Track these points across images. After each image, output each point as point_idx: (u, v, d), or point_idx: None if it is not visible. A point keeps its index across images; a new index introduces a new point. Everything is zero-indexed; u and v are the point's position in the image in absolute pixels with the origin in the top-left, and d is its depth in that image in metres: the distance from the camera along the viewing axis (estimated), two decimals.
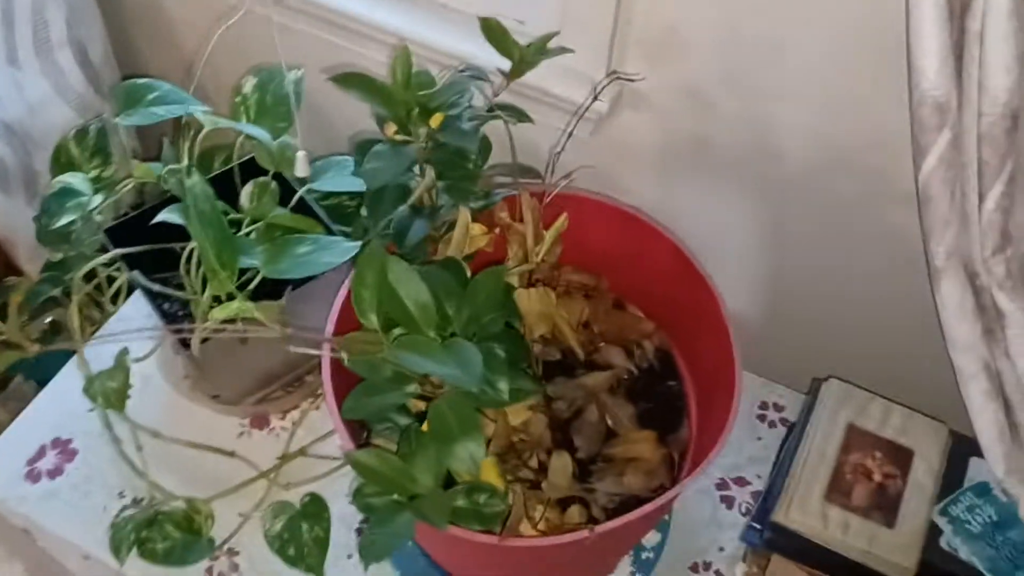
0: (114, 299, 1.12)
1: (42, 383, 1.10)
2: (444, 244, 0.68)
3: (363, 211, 0.68)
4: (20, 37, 1.13)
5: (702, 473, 0.65)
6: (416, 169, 0.64)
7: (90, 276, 1.07)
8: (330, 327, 0.70)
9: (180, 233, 0.88)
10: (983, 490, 0.81)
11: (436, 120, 0.60)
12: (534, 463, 0.75)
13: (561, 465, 0.74)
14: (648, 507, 0.62)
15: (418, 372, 0.56)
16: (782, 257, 1.06)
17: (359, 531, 0.93)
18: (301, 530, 0.83)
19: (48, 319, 1.41)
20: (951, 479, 0.81)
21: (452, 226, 0.69)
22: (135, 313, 1.09)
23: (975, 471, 0.82)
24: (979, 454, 0.82)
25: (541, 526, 0.68)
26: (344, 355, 0.53)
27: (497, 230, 0.72)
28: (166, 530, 0.79)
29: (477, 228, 0.68)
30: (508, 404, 0.63)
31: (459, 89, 0.61)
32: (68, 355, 1.21)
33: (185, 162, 0.88)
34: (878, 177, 0.90)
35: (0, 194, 1.19)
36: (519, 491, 0.67)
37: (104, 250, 0.96)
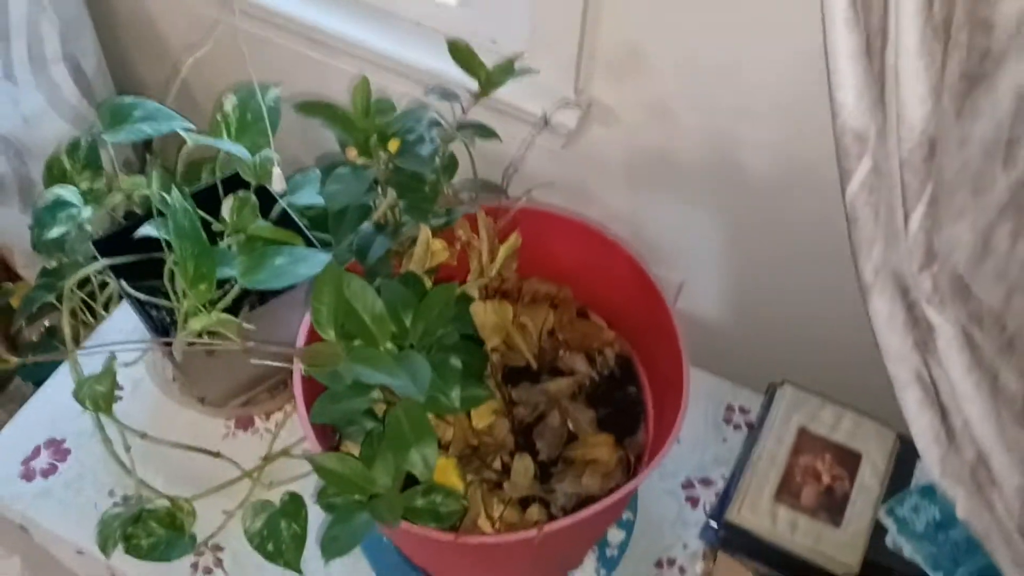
0: (106, 305, 1.16)
1: (40, 384, 1.15)
2: (407, 259, 0.72)
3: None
4: (16, 53, 1.18)
5: (649, 474, 0.69)
6: (379, 189, 0.68)
7: (84, 283, 1.12)
8: (302, 338, 0.74)
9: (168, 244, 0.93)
10: (928, 492, 0.85)
11: (393, 145, 0.64)
12: (497, 464, 0.79)
13: (523, 467, 0.78)
14: (597, 506, 0.66)
15: (371, 382, 0.60)
16: (747, 264, 1.10)
17: None
18: (280, 527, 0.87)
19: (44, 323, 1.46)
20: (898, 481, 0.85)
21: (415, 241, 0.73)
22: (127, 318, 1.13)
23: (922, 474, 0.86)
24: None
25: (500, 524, 0.72)
26: (300, 365, 0.58)
27: (458, 245, 0.76)
28: (150, 527, 0.83)
29: (438, 244, 0.72)
30: (460, 411, 0.68)
31: (416, 116, 0.65)
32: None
33: (155, 180, 0.92)
34: (834, 189, 0.94)
35: None
36: (479, 490, 0.71)
37: (96, 259, 1.01)
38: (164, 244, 0.88)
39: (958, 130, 0.64)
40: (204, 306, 0.84)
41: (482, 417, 0.78)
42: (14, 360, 0.79)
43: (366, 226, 0.69)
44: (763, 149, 0.95)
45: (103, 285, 1.15)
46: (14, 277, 1.35)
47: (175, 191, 0.78)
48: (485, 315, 0.73)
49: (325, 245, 0.90)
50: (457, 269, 0.78)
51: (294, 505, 0.89)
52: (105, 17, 1.30)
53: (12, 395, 1.50)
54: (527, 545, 0.66)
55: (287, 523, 0.87)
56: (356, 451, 0.71)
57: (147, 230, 0.81)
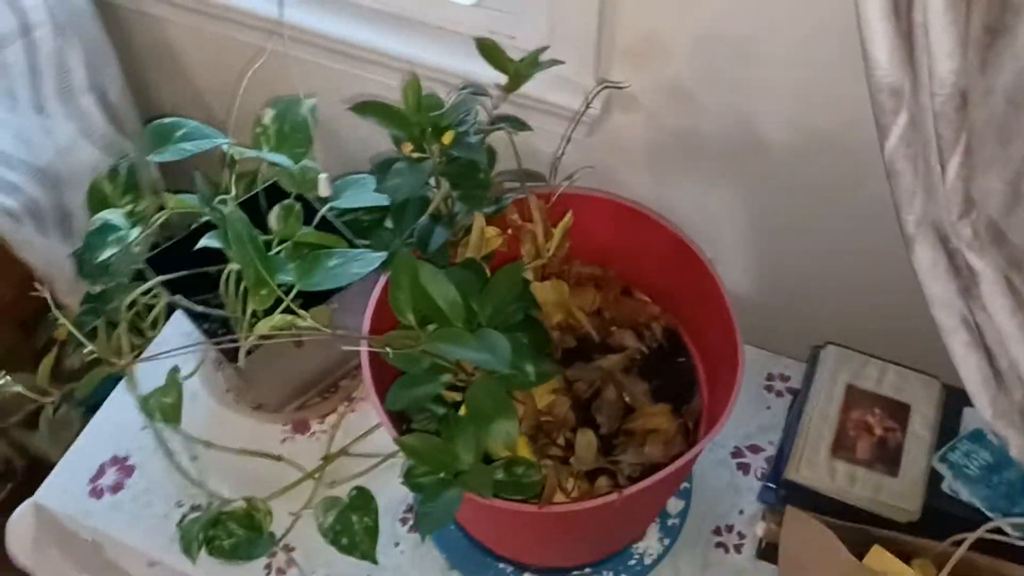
0: (153, 324, 1.19)
1: (90, 408, 1.18)
2: (463, 247, 0.75)
3: (387, 223, 0.75)
4: (45, 86, 1.21)
5: (716, 436, 0.71)
6: (432, 182, 0.71)
7: (130, 304, 1.14)
8: (365, 328, 0.77)
9: (211, 258, 0.96)
10: (978, 436, 0.87)
11: (448, 137, 0.67)
12: (561, 441, 0.82)
13: (586, 441, 0.81)
14: (670, 468, 0.69)
15: (453, 360, 0.63)
16: (774, 237, 1.12)
17: (403, 521, 1.00)
18: (351, 521, 0.90)
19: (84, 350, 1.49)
20: (947, 429, 0.88)
21: (468, 231, 0.76)
22: (173, 336, 1.17)
23: (969, 420, 0.89)
24: (971, 404, 0.89)
25: (573, 495, 0.75)
26: (388, 350, 0.60)
27: (509, 231, 0.78)
28: (230, 528, 0.86)
29: (491, 231, 0.75)
30: (535, 385, 0.70)
31: (465, 108, 0.68)
32: (111, 381, 1.28)
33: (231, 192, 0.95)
34: (855, 155, 0.97)
35: (38, 235, 1.26)
36: (552, 466, 0.74)
37: (141, 279, 1.04)
38: (212, 257, 0.91)
39: (983, 82, 0.67)
40: (260, 312, 0.88)
41: (542, 397, 0.81)
42: (122, 362, 0.81)
43: (423, 219, 0.72)
44: (782, 122, 0.98)
45: (149, 307, 1.18)
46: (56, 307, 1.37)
47: (231, 203, 0.81)
48: (545, 294, 0.76)
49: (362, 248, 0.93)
50: (507, 255, 0.81)
51: (362, 499, 0.91)
52: (124, 45, 1.33)
53: (59, 422, 1.52)
54: (606, 511, 0.69)
55: (358, 516, 0.90)
56: None
57: (208, 242, 0.83)
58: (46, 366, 1.00)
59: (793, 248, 1.12)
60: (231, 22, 1.20)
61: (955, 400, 0.89)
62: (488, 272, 0.73)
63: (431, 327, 0.63)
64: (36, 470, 1.55)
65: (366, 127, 1.26)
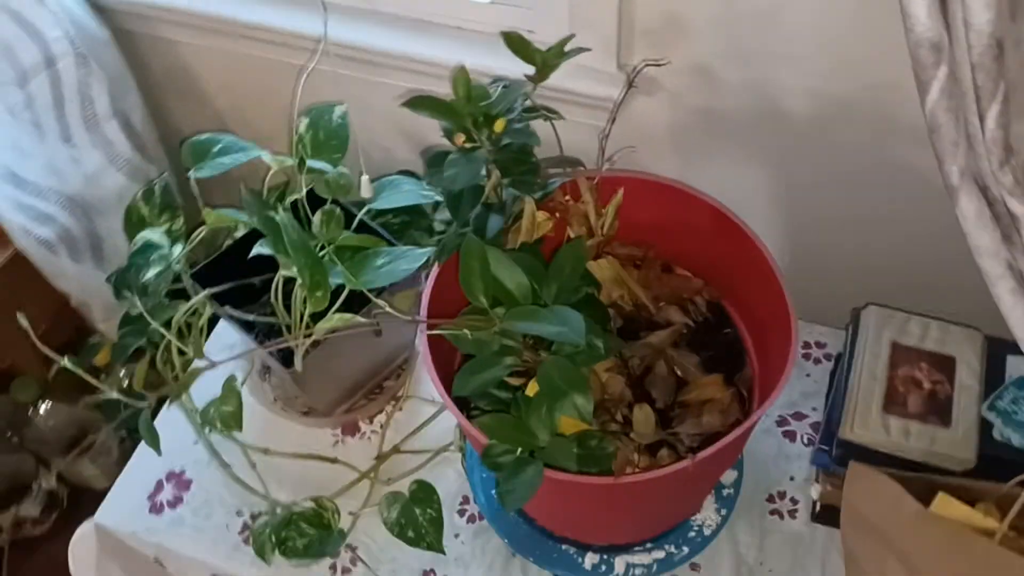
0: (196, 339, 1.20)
1: (132, 432, 1.19)
2: (515, 233, 0.76)
3: (435, 218, 0.76)
4: (71, 116, 1.23)
5: (777, 398, 0.73)
6: (482, 171, 0.73)
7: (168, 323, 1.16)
8: (423, 316, 0.79)
9: (248, 270, 0.97)
10: (1023, 383, 0.89)
11: (500, 125, 0.69)
12: (619, 418, 0.83)
13: (643, 416, 0.83)
14: (739, 430, 0.71)
15: (529, 339, 0.64)
16: (802, 208, 1.14)
17: (460, 512, 1.01)
18: (415, 514, 0.91)
19: (120, 372, 1.50)
20: (993, 378, 0.89)
21: (518, 216, 0.78)
22: (217, 349, 1.18)
23: (1013, 368, 0.90)
24: (1015, 352, 0.91)
25: (640, 468, 0.77)
26: (466, 333, 0.62)
27: (557, 215, 0.80)
28: (301, 528, 0.87)
29: (541, 215, 0.76)
30: (605, 358, 0.72)
31: (514, 96, 0.70)
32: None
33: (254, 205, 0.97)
34: (877, 120, 0.99)
35: (72, 263, 1.28)
36: (620, 439, 0.76)
37: (177, 297, 1.05)
38: (249, 269, 0.92)
39: (1015, 31, 0.69)
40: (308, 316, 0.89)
41: (600, 373, 0.82)
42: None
43: (477, 207, 0.73)
44: (803, 92, 1.00)
45: (188, 325, 1.19)
46: (92, 332, 1.39)
47: (282, 211, 0.83)
48: (603, 272, 0.78)
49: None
50: (554, 239, 0.82)
51: (424, 492, 0.93)
52: (142, 71, 1.35)
53: (99, 448, 1.54)
54: (677, 479, 0.70)
55: (422, 509, 0.92)
56: None
57: (261, 249, 0.85)
58: (141, 372, 1.02)
59: (820, 217, 1.14)
60: (246, 39, 1.22)
61: (998, 349, 0.91)
62: (543, 255, 0.74)
63: (499, 309, 0.64)
64: (80, 498, 1.57)
65: (388, 135, 1.28)
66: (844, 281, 1.18)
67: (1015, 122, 0.71)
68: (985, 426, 0.86)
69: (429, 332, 0.70)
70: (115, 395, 0.85)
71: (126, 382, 1.50)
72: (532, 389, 0.69)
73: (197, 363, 1.14)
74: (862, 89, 0.97)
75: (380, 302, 0.66)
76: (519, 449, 0.66)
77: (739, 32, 0.96)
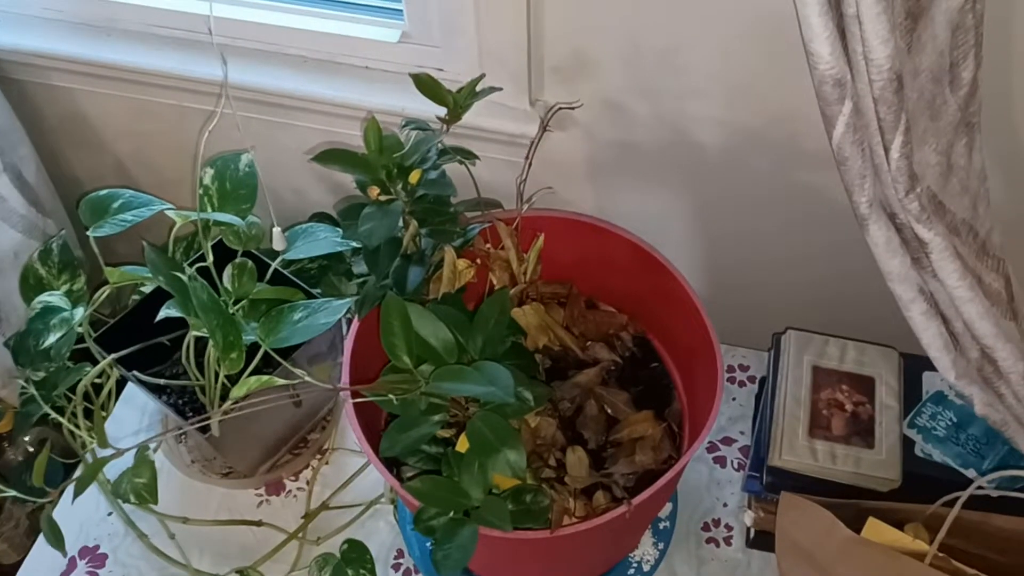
0: (103, 405, 1.14)
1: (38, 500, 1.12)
2: (435, 282, 0.75)
3: (356, 267, 0.74)
4: None
5: (709, 432, 0.73)
6: (399, 223, 0.71)
7: (72, 387, 1.10)
8: (345, 378, 0.76)
9: (156, 329, 0.93)
10: (939, 398, 0.92)
11: (415, 177, 0.67)
12: (552, 462, 0.82)
13: (576, 459, 0.82)
14: (674, 470, 0.70)
15: (457, 396, 0.62)
16: (717, 232, 1.16)
17: (395, 567, 0.98)
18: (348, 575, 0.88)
19: (25, 439, 1.42)
20: (910, 395, 0.92)
21: (438, 265, 0.76)
22: (129, 413, 1.12)
23: (929, 384, 0.93)
24: (929, 368, 0.93)
25: (577, 515, 0.76)
26: (392, 398, 0.60)
27: (478, 261, 0.79)
28: None
29: (462, 263, 0.75)
30: (535, 410, 0.71)
31: (427, 145, 0.68)
32: (56, 467, 1.22)
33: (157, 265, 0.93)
34: (783, 147, 1.01)
35: None
36: (555, 488, 0.74)
37: (82, 359, 1.00)
38: (157, 328, 0.88)
39: (911, 63, 0.71)
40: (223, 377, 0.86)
41: (530, 419, 0.81)
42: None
43: (396, 260, 0.71)
44: (710, 122, 1.02)
45: (97, 387, 1.13)
46: None
47: (188, 269, 0.79)
48: (527, 319, 0.76)
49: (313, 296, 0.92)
50: (476, 285, 0.81)
51: (356, 551, 0.90)
52: (34, 121, 1.28)
53: (6, 522, 1.45)
54: (615, 524, 0.69)
55: (354, 570, 0.89)
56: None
57: (169, 311, 0.81)
58: (40, 467, 0.95)
59: (736, 240, 1.16)
60: (144, 85, 1.17)
61: (913, 367, 0.94)
62: (465, 305, 0.73)
63: (423, 367, 0.62)
64: None
65: (299, 177, 1.25)
66: (762, 301, 1.20)
67: (917, 150, 0.74)
68: (907, 444, 0.88)
69: (354, 400, 0.68)
70: (11, 492, 0.79)
71: (31, 448, 1.42)
72: (463, 445, 0.67)
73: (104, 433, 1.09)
74: (766, 119, 0.99)
75: (299, 371, 0.64)
76: (452, 511, 0.64)
77: (645, 68, 0.97)
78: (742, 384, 1.13)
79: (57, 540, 0.77)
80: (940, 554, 0.73)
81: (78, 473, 1.07)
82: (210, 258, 0.86)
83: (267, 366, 0.88)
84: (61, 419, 1.01)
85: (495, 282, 0.80)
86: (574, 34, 0.97)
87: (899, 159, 0.69)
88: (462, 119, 0.90)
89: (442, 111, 0.84)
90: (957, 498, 0.73)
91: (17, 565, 1.21)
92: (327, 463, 1.07)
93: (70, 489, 1.08)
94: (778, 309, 1.18)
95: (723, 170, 1.07)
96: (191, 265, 0.98)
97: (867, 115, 0.69)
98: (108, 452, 1.05)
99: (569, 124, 1.06)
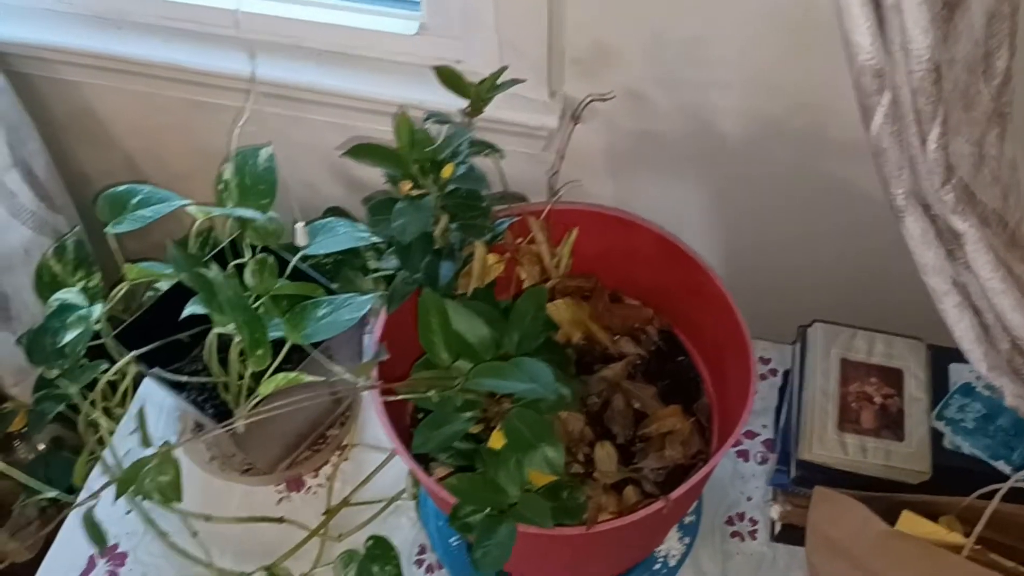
0: (120, 402, 1.13)
1: (51, 499, 1.11)
2: (465, 278, 0.74)
3: (385, 262, 0.73)
4: None
5: (744, 425, 0.72)
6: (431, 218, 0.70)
7: (91, 384, 1.09)
8: (375, 373, 0.75)
9: (176, 326, 0.92)
10: (967, 390, 0.91)
11: (447, 171, 0.66)
12: (581, 458, 0.81)
13: (606, 454, 0.81)
14: (711, 464, 0.70)
15: (496, 392, 0.62)
16: (738, 225, 1.15)
17: (418, 563, 0.98)
18: (373, 572, 0.87)
19: (41, 436, 1.41)
20: (938, 387, 0.91)
21: (466, 261, 0.75)
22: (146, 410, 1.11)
23: (956, 375, 0.92)
24: (956, 360, 0.93)
25: (610, 511, 0.75)
26: (431, 394, 0.59)
27: (507, 255, 0.78)
28: None
29: (491, 257, 0.74)
30: (572, 406, 0.70)
31: (459, 139, 0.67)
32: (70, 465, 1.21)
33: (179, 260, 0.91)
34: (806, 137, 1.01)
35: None
36: (585, 485, 0.73)
37: (98, 356, 0.98)
38: (176, 325, 0.87)
39: (947, 53, 0.70)
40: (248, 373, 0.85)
41: (559, 413, 0.80)
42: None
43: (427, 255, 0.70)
44: (734, 113, 1.01)
45: (113, 385, 1.12)
46: (3, 398, 1.29)
47: (214, 266, 0.78)
48: (560, 314, 0.76)
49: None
50: (503, 279, 0.80)
51: (381, 548, 0.89)
52: (43, 116, 1.27)
53: (17, 521, 1.44)
54: (650, 521, 0.68)
55: (379, 567, 0.88)
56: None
57: (193, 308, 0.80)
58: (81, 466, 0.95)
59: (757, 233, 1.15)
60: (155, 79, 1.16)
61: (940, 358, 0.93)
62: (495, 300, 0.72)
63: (459, 363, 0.61)
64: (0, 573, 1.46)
65: (313, 172, 1.24)
66: (783, 294, 1.19)
67: (952, 141, 0.73)
68: (936, 436, 0.88)
69: (387, 398, 0.67)
70: (53, 492, 0.79)
71: (42, 446, 1.41)
72: (496, 441, 0.66)
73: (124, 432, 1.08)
74: (790, 110, 0.98)
75: (337, 368, 0.63)
76: (488, 508, 0.63)
77: (669, 58, 0.96)
78: (763, 377, 1.12)
79: (98, 539, 0.77)
80: (977, 547, 0.72)
81: (98, 471, 1.06)
82: (247, 255, 0.85)
83: (286, 363, 0.88)
84: (95, 411, 0.99)
85: (524, 276, 0.79)
86: (595, 24, 0.96)
87: (936, 150, 0.68)
88: (484, 114, 0.90)
89: (461, 104, 0.83)
90: (992, 491, 0.73)
91: (29, 564, 1.20)
92: (346, 459, 1.06)
93: (87, 489, 1.08)
94: (798, 301, 1.18)
95: (745, 160, 1.06)
96: (207, 261, 0.97)
97: (904, 106, 0.68)
98: (121, 451, 1.04)
99: (589, 115, 1.05)
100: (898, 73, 0.66)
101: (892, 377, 0.90)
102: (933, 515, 0.77)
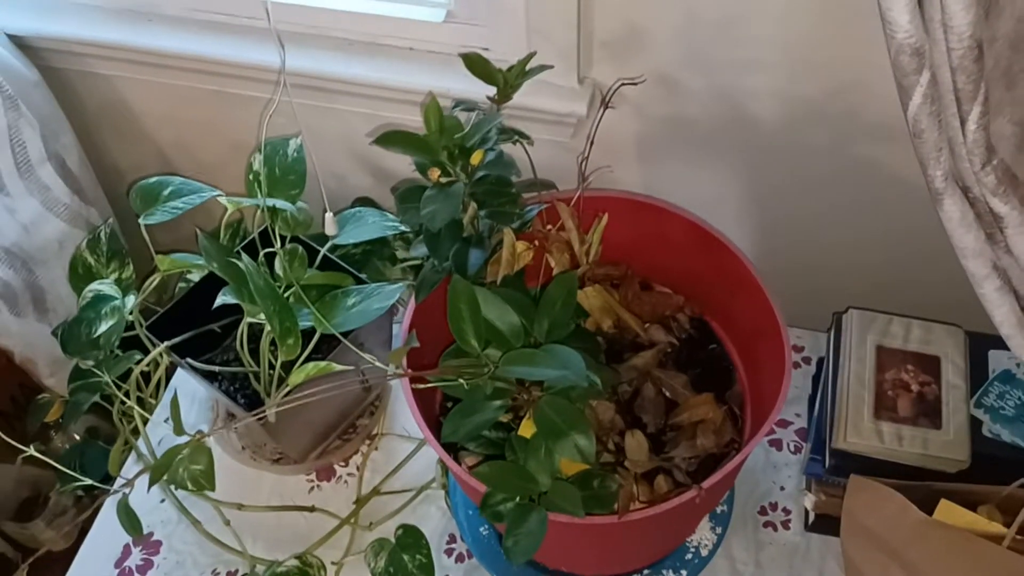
0: (154, 393, 1.15)
1: (86, 488, 1.12)
2: (494, 266, 0.73)
3: (414, 250, 0.73)
4: (2, 164, 1.16)
5: (779, 413, 0.71)
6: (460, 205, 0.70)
7: (124, 376, 1.10)
8: (404, 362, 0.75)
9: (204, 317, 0.93)
10: (1007, 377, 0.89)
11: (477, 158, 0.66)
12: (611, 446, 0.81)
13: (636, 443, 0.80)
14: (745, 452, 0.69)
15: (526, 380, 0.61)
16: (771, 210, 1.13)
17: (448, 552, 0.98)
18: (404, 561, 0.87)
19: (77, 426, 1.43)
20: (976, 374, 0.89)
21: (495, 248, 0.75)
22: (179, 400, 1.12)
23: (995, 362, 0.90)
24: (996, 347, 0.91)
25: (641, 500, 0.74)
26: (461, 381, 0.59)
27: (536, 242, 0.77)
28: None
29: (520, 245, 0.73)
30: (603, 395, 0.69)
31: (488, 125, 0.67)
32: (104, 454, 1.23)
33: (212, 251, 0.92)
34: (841, 120, 0.99)
35: (13, 318, 1.21)
36: (616, 474, 0.73)
37: (130, 347, 0.99)
38: (205, 316, 0.87)
39: (988, 31, 0.68)
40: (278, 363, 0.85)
41: (588, 402, 0.79)
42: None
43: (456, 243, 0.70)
44: (767, 95, 0.99)
45: (146, 375, 1.14)
46: (38, 389, 1.31)
47: (245, 256, 0.78)
48: (590, 301, 0.75)
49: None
50: (533, 267, 0.79)
51: (412, 537, 0.89)
52: (76, 110, 1.28)
53: (53, 509, 1.46)
54: (683, 510, 0.68)
55: (410, 556, 0.88)
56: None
57: (224, 298, 0.80)
58: (116, 455, 0.96)
59: (790, 218, 1.13)
60: (185, 71, 1.17)
61: (978, 345, 0.91)
62: (525, 287, 0.71)
63: (489, 351, 0.61)
64: (38, 562, 1.48)
65: (340, 162, 1.24)
66: (816, 281, 1.18)
67: (994, 121, 0.71)
68: (975, 424, 0.86)
69: (416, 387, 0.67)
70: (87, 482, 0.80)
71: (77, 436, 1.43)
72: (526, 429, 0.66)
73: (158, 422, 1.09)
74: (826, 90, 0.96)
75: (368, 356, 0.63)
76: (518, 496, 0.63)
77: (701, 40, 0.95)
78: (796, 365, 1.11)
79: (133, 527, 0.77)
80: (1019, 536, 0.71)
81: (132, 460, 1.07)
82: (277, 244, 0.85)
83: (316, 352, 0.88)
84: (129, 401, 1.00)
85: (553, 264, 0.78)
86: (626, 6, 0.95)
87: (976, 130, 0.67)
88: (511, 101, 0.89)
89: (489, 91, 0.83)
90: None
91: (65, 553, 1.22)
92: (376, 448, 1.07)
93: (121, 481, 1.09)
94: (832, 290, 1.16)
95: (778, 146, 1.04)
96: (238, 252, 0.97)
97: (943, 85, 0.66)
98: (154, 440, 1.05)
99: (618, 101, 1.04)
100: (937, 51, 0.65)
101: (929, 364, 0.88)
102: (972, 504, 0.76)
